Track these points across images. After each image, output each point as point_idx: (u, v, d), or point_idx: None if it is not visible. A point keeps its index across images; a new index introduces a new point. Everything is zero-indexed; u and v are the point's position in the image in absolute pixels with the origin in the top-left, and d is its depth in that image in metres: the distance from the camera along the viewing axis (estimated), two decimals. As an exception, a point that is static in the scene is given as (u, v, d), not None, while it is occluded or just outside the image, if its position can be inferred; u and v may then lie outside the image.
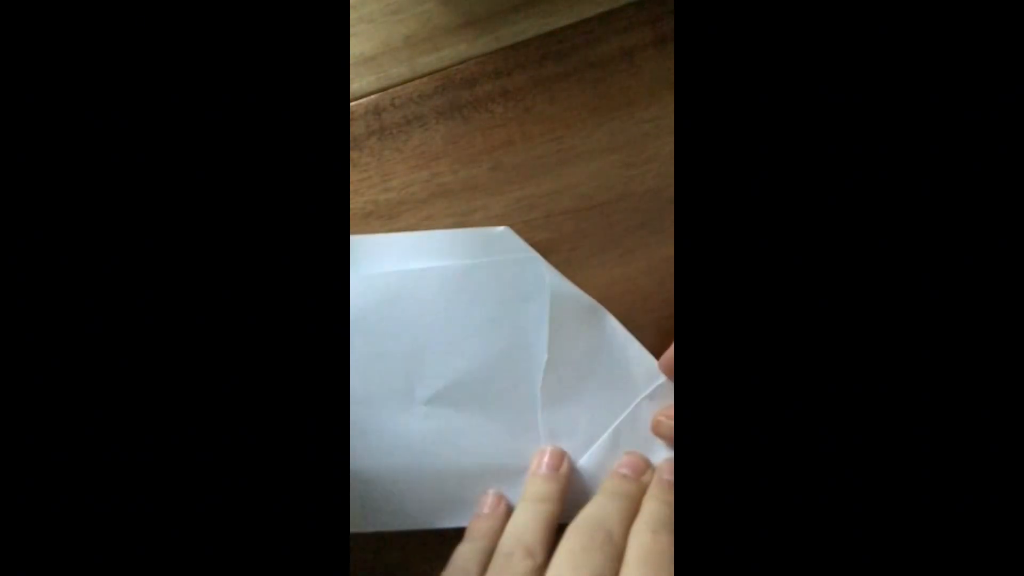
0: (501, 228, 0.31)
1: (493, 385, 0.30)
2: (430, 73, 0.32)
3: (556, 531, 0.28)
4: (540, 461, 0.30)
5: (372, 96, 0.32)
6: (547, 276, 0.30)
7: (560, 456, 0.30)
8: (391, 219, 0.32)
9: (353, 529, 0.30)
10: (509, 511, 0.29)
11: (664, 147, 0.31)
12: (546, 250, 0.31)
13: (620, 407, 0.31)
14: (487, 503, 0.30)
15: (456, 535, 0.29)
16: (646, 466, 0.30)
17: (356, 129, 0.32)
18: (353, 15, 0.32)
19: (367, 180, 0.32)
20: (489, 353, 0.30)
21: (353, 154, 0.32)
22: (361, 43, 0.32)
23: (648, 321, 0.31)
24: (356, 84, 0.32)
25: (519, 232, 0.31)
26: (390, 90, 0.32)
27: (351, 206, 0.32)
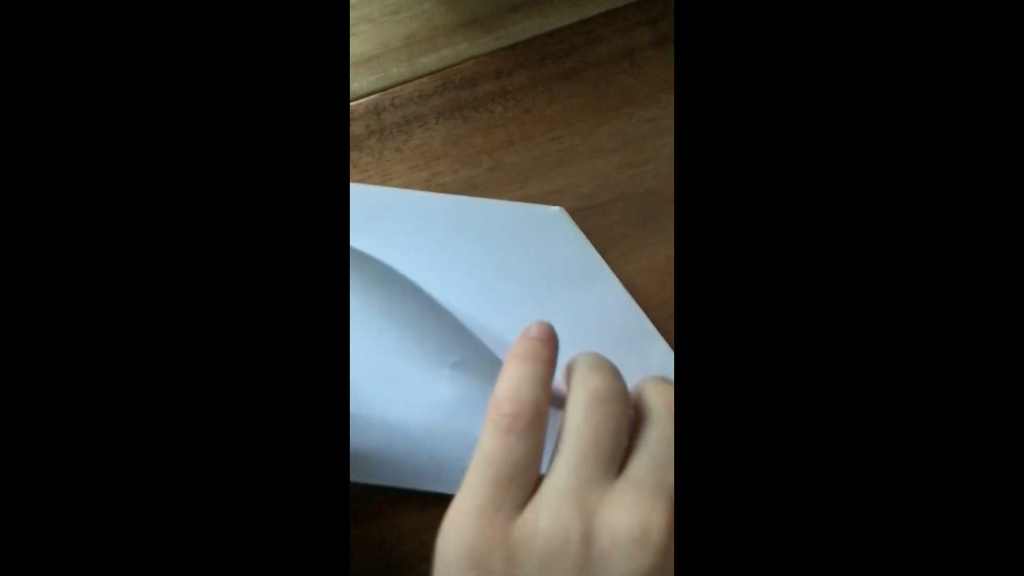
0: (556, 208, 0.31)
1: None
2: (430, 73, 0.32)
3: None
4: (529, 329, 0.25)
5: (372, 96, 0.32)
6: (595, 266, 0.31)
7: (550, 328, 0.26)
8: (391, 219, 0.32)
9: (369, 480, 0.30)
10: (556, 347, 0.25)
11: (664, 147, 0.31)
12: (546, 250, 0.31)
13: None
14: (534, 329, 0.25)
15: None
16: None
17: (356, 129, 0.32)
18: (353, 15, 0.32)
19: (367, 180, 0.32)
20: (517, 331, 0.30)
21: (353, 154, 0.32)
22: (361, 43, 0.32)
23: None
24: (356, 84, 0.32)
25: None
26: (390, 90, 0.32)
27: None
